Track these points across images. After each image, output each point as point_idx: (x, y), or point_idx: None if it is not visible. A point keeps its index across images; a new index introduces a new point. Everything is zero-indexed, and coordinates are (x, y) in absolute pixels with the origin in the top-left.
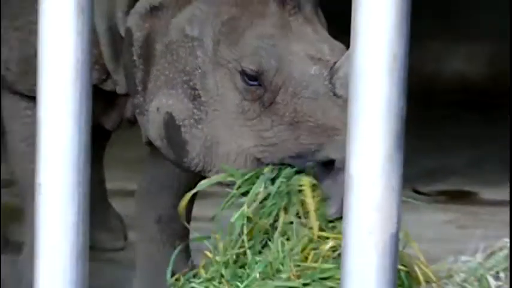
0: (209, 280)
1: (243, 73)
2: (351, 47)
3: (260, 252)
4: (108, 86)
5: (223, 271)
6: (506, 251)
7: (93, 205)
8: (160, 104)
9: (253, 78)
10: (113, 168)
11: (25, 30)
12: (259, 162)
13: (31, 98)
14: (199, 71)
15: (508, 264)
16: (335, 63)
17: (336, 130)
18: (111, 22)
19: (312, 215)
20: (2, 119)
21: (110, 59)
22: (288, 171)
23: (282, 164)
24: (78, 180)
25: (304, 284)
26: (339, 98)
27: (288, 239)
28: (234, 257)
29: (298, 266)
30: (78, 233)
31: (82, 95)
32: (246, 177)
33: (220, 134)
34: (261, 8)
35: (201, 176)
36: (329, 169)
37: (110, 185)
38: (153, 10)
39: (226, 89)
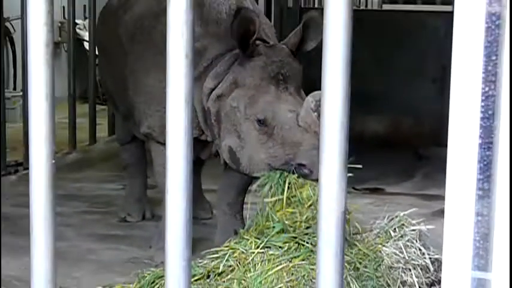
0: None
1: (258, 121)
2: (321, 121)
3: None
4: (203, 137)
5: (254, 232)
6: (399, 218)
7: (195, 197)
8: (226, 142)
9: (262, 123)
10: (206, 178)
11: (161, 111)
12: (270, 166)
13: (165, 144)
14: (239, 123)
15: (400, 224)
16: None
17: (300, 143)
18: (202, 105)
19: (284, 195)
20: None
21: (203, 124)
22: (286, 173)
23: (283, 170)
24: (186, 186)
25: (295, 237)
26: (300, 127)
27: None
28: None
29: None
30: (187, 211)
31: (188, 143)
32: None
33: (251, 154)
34: (266, 88)
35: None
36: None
37: (204, 187)
38: (218, 97)
39: (251, 130)
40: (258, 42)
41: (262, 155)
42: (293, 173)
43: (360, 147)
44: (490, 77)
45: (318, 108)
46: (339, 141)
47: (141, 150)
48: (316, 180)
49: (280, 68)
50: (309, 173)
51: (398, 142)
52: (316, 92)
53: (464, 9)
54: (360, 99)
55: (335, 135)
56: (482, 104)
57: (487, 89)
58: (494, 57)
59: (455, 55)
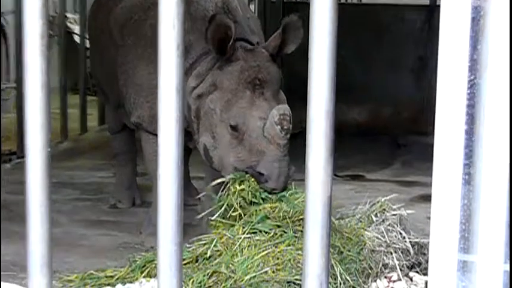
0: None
1: (230, 126)
2: (308, 109)
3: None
4: (189, 128)
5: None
6: (380, 203)
7: (183, 183)
8: (202, 140)
9: (234, 129)
10: (193, 166)
11: (151, 102)
12: (237, 168)
13: (155, 134)
14: (214, 124)
15: (381, 209)
16: None
17: (264, 152)
18: (186, 100)
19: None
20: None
21: (188, 118)
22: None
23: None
24: (177, 173)
25: (279, 225)
26: (265, 137)
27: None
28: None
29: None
30: (177, 196)
31: (179, 131)
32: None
33: (222, 155)
34: (241, 93)
35: None
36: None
37: (191, 174)
38: (198, 96)
39: (224, 133)
40: (237, 44)
41: (231, 158)
42: (252, 177)
43: (341, 136)
44: (476, 66)
45: (282, 122)
46: (325, 129)
47: (131, 139)
48: (270, 191)
49: (257, 73)
50: (264, 182)
51: (378, 131)
52: (280, 106)
53: (451, 1)
54: (341, 90)
55: (321, 122)
56: (468, 91)
57: (472, 77)
58: (479, 47)
59: (443, 45)
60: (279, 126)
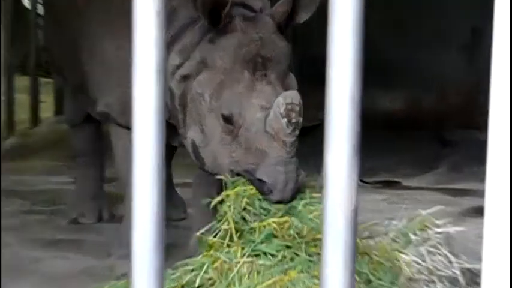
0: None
1: (222, 116)
2: (327, 96)
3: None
4: (172, 120)
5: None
6: (420, 218)
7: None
8: (190, 134)
9: (227, 120)
10: (178, 170)
11: (123, 87)
12: (232, 171)
13: (127, 127)
14: (203, 114)
15: (422, 226)
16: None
17: (265, 152)
18: (168, 83)
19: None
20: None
21: (171, 106)
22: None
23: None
24: (157, 178)
25: (290, 246)
26: (267, 133)
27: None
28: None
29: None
30: (157, 209)
31: (160, 126)
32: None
33: (215, 153)
34: (238, 75)
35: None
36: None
37: (176, 180)
38: (183, 78)
39: (215, 126)
40: (235, 11)
41: (225, 158)
42: (252, 185)
43: (369, 130)
44: None
45: (289, 113)
46: (349, 121)
47: (96, 134)
48: (276, 202)
49: (259, 48)
50: (267, 192)
51: (418, 123)
52: (288, 92)
53: None
54: (370, 71)
55: (344, 113)
56: None
57: None
58: None
59: (500, 13)
60: (285, 119)
